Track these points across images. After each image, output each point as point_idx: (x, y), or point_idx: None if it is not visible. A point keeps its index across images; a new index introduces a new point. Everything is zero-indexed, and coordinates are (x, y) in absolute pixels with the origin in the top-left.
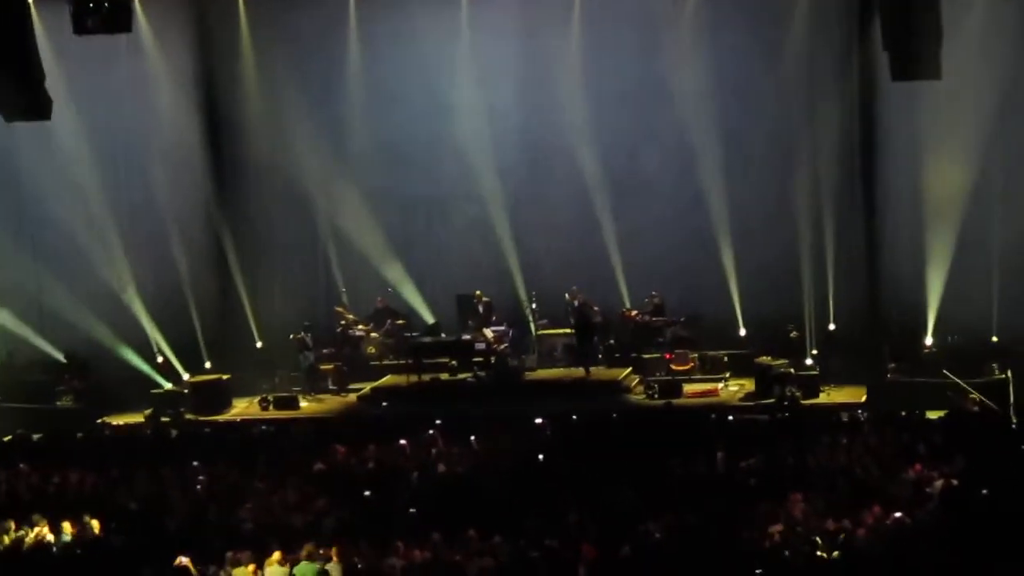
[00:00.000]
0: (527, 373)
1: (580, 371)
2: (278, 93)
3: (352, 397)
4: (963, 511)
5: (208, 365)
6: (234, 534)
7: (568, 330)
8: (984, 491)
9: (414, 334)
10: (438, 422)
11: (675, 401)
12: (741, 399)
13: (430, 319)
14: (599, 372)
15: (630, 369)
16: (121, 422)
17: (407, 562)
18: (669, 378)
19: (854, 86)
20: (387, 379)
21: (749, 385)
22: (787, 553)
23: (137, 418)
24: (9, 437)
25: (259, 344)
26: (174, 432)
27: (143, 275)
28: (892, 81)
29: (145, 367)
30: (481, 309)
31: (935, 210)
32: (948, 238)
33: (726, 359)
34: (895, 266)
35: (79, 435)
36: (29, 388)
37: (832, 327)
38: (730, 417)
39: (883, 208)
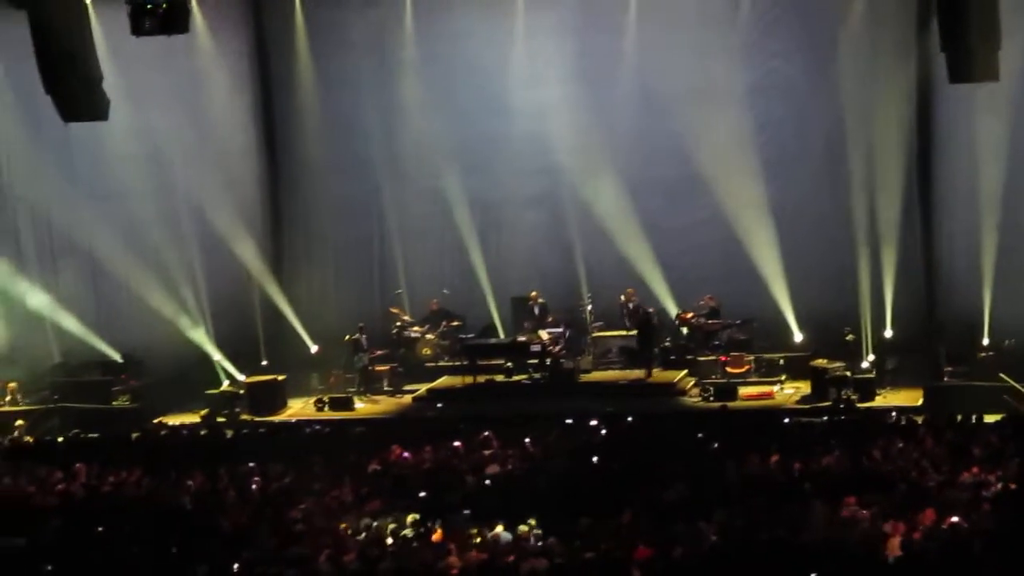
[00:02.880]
0: (582, 375)
1: (636, 372)
2: (333, 94)
3: (407, 398)
4: (1020, 515)
5: (265, 363)
6: (289, 534)
7: (623, 332)
8: None
9: (469, 336)
10: (493, 423)
11: (731, 404)
12: (797, 402)
13: (495, 321)
14: (655, 375)
15: (685, 372)
16: (177, 422)
17: (463, 562)
18: (725, 381)
19: (911, 87)
20: (442, 380)
21: (805, 388)
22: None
23: (193, 418)
24: (66, 437)
25: (313, 349)
26: (229, 432)
27: (199, 275)
28: (950, 83)
29: (215, 357)
30: (536, 310)
31: (992, 212)
32: (1006, 241)
33: (782, 362)
34: (952, 268)
35: (135, 435)
36: (85, 388)
37: (889, 332)
38: (786, 420)
39: (940, 210)
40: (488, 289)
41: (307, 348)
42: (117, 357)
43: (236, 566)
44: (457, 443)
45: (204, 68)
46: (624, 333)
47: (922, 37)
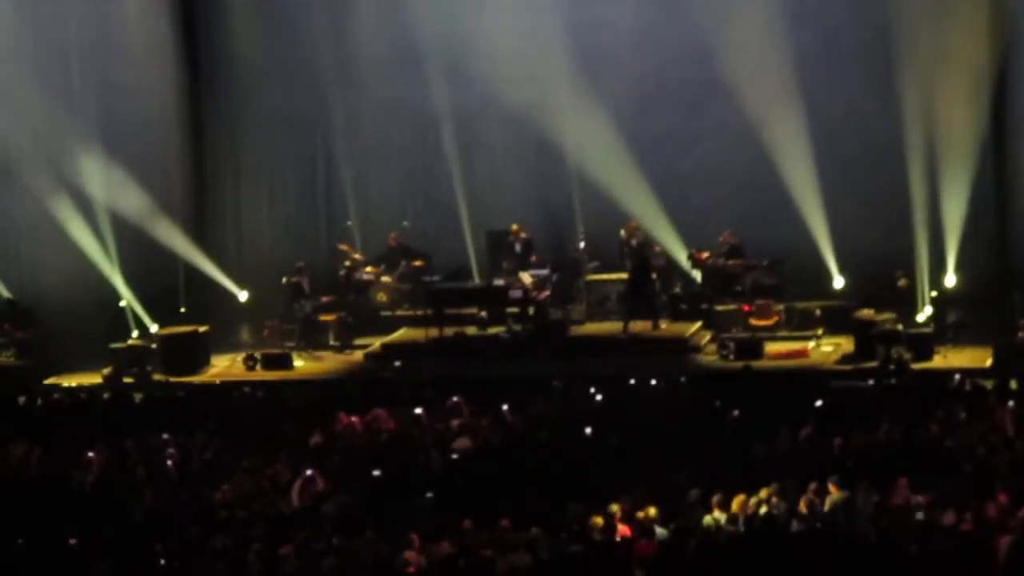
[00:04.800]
0: (573, 327)
1: (640, 325)
2: None
3: (358, 355)
4: None
5: (183, 310)
6: (212, 521)
7: (624, 274)
8: None
9: (434, 278)
10: (463, 387)
11: (755, 363)
12: (837, 362)
13: (468, 260)
14: (663, 327)
15: (700, 324)
16: (74, 383)
17: (425, 557)
18: (748, 335)
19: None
20: (401, 333)
21: (847, 345)
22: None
23: (94, 379)
24: None
25: (242, 297)
26: (139, 396)
27: (101, 200)
28: None
29: (122, 301)
30: (518, 248)
31: None
32: None
33: (818, 312)
34: None
35: (22, 399)
36: None
37: (951, 277)
38: (823, 384)
39: (1015, 130)
40: (459, 221)
41: (234, 296)
42: (4, 295)
43: (148, 559)
44: (419, 410)
45: None
46: (625, 276)
47: None
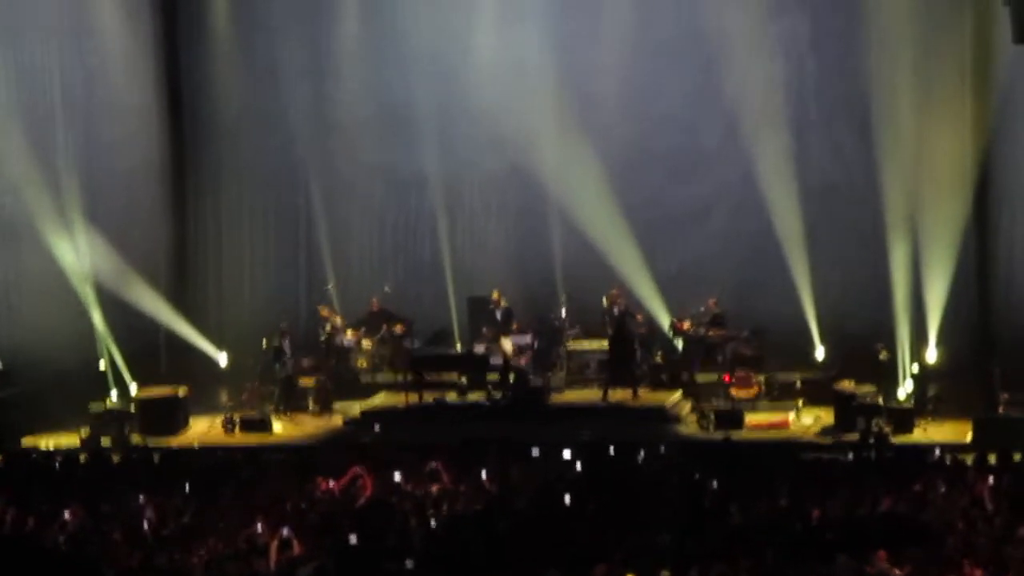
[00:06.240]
0: (553, 394)
1: (619, 393)
2: (254, 40)
3: (337, 419)
4: None
5: (163, 371)
6: None
7: (605, 342)
8: None
9: (415, 344)
10: (442, 453)
11: (735, 434)
12: (817, 433)
13: (450, 326)
14: (643, 396)
15: (680, 393)
16: (52, 444)
17: None
18: (728, 406)
19: (965, 49)
20: (380, 398)
21: (827, 417)
22: None
23: (72, 439)
24: None
25: (222, 362)
26: (116, 458)
27: (83, 257)
28: (1014, 43)
29: (101, 362)
30: (499, 315)
31: None
32: None
33: (799, 384)
34: (1012, 273)
35: None
36: None
37: (932, 350)
38: (803, 455)
39: (999, 202)
40: (442, 285)
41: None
42: None
43: None
44: (398, 476)
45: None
46: (606, 344)
47: None
